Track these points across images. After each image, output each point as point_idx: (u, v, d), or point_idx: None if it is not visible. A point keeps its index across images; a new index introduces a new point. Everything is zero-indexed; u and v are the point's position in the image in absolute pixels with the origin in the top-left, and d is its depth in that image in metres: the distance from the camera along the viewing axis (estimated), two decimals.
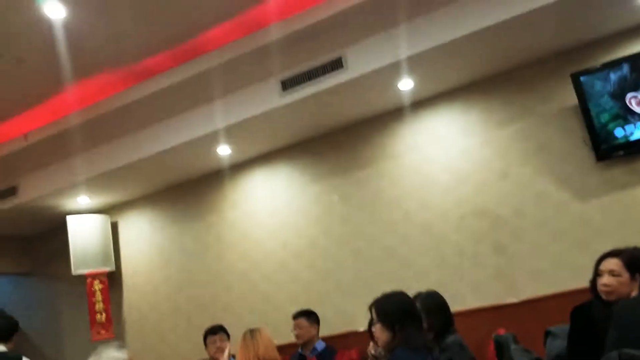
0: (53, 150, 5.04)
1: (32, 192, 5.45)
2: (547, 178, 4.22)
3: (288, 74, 4.29)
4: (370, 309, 2.54)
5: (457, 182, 4.53)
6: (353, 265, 4.87)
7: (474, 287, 4.35)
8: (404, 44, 3.87)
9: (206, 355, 4.11)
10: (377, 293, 2.58)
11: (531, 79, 4.35)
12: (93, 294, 5.87)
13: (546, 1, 3.46)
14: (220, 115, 4.57)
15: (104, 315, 5.86)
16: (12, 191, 5.50)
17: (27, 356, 3.78)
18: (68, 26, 3.58)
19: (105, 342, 3.18)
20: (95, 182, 5.33)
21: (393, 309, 2.40)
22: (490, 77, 4.47)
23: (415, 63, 3.98)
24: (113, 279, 6.06)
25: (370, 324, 2.72)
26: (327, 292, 4.95)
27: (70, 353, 6.31)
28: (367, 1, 3.72)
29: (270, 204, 5.37)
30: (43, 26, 3.53)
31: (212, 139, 4.77)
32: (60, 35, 3.65)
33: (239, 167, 5.54)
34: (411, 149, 4.75)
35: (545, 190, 4.22)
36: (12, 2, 3.28)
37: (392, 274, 4.66)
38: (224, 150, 5.10)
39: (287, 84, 4.29)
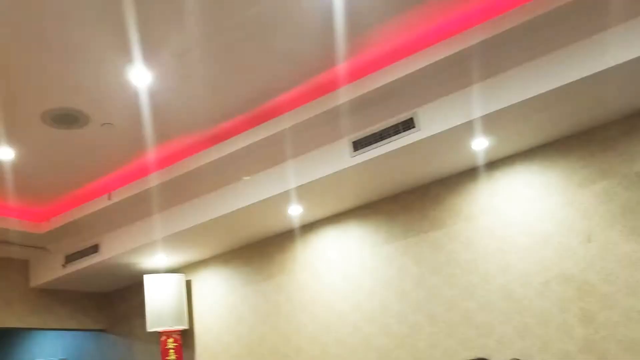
0: (133, 210, 5.26)
1: (112, 250, 5.67)
2: (636, 239, 3.91)
3: (359, 134, 4.30)
4: None
5: (538, 244, 4.29)
6: (429, 330, 4.65)
7: (561, 359, 4.02)
8: (477, 102, 3.81)
9: None
10: None
11: (612, 138, 4.14)
12: (167, 352, 5.92)
13: (616, 62, 3.33)
14: (292, 175, 4.62)
15: None
16: (94, 249, 5.74)
17: None
18: (152, 91, 3.79)
19: None
20: (171, 241, 5.48)
21: None
22: (568, 136, 4.29)
23: (490, 122, 3.89)
24: (186, 337, 6.10)
25: None
26: (402, 358, 4.74)
27: None
28: (439, 61, 3.72)
29: (341, 265, 5.29)
30: (129, 91, 3.75)
31: (283, 199, 4.81)
32: (144, 100, 3.87)
33: (310, 227, 5.54)
34: (487, 210, 4.58)
35: (634, 252, 3.91)
36: (102, 70, 3.52)
37: (471, 341, 4.40)
38: (295, 211, 5.13)
39: (358, 145, 4.30)
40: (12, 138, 4.12)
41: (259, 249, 5.89)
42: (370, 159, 4.25)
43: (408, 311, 4.80)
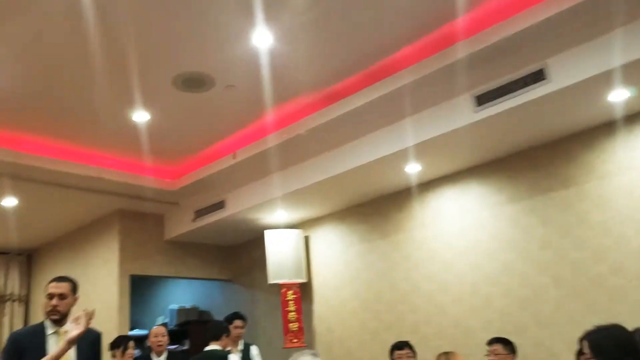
0: (256, 168, 5.47)
1: (236, 206, 5.97)
2: None
3: (483, 88, 4.11)
4: (580, 341, 2.30)
5: None
6: (555, 294, 4.45)
7: None
8: (617, 50, 3.46)
9: None
10: (583, 328, 2.31)
11: None
12: (287, 303, 6.20)
13: None
14: (410, 133, 4.54)
15: (296, 324, 6.15)
16: (220, 205, 6.08)
17: None
18: (272, 53, 3.85)
19: (298, 350, 3.31)
20: (290, 198, 5.66)
21: (609, 344, 2.13)
22: None
23: (632, 71, 3.53)
24: (305, 290, 6.35)
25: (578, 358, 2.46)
26: (524, 322, 4.60)
27: (265, 358, 6.72)
28: (573, 7, 3.40)
29: (460, 225, 5.18)
30: (251, 54, 3.84)
31: (401, 157, 4.76)
32: (265, 61, 3.95)
33: (428, 185, 5.45)
34: (624, 168, 4.22)
35: None
36: (227, 33, 3.63)
37: (601, 306, 4.17)
38: (413, 169, 5.06)
39: (482, 99, 4.11)
40: (147, 102, 4.41)
41: (375, 207, 5.92)
42: (495, 114, 4.06)
43: (532, 273, 4.61)
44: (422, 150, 4.62)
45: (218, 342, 4.74)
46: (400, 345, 4.02)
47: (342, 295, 6.11)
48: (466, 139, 4.49)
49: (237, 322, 5.11)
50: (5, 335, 6.76)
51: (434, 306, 5.25)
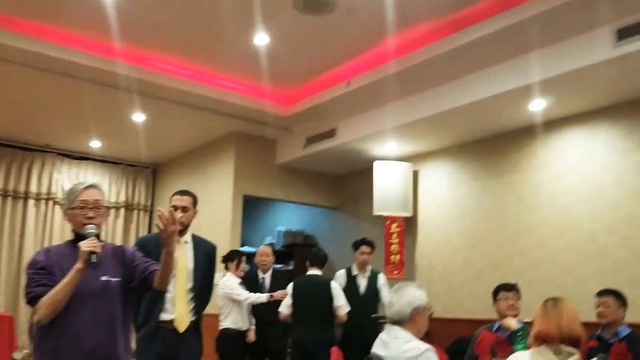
0: (369, 97, 5.42)
1: (347, 135, 6.01)
2: None
3: (626, 21, 3.71)
4: None
5: None
6: None
7: None
8: None
9: (492, 315, 4.02)
10: None
11: None
12: (390, 235, 6.26)
13: None
14: (538, 67, 4.25)
15: (398, 256, 6.22)
16: (331, 133, 6.15)
17: None
18: None
19: (398, 282, 3.36)
20: (403, 130, 5.59)
21: None
22: None
23: None
24: (409, 224, 6.35)
25: None
26: None
27: None
28: None
29: (583, 169, 4.87)
30: None
31: (525, 93, 4.49)
32: None
33: (552, 125, 5.13)
34: None
35: None
36: None
37: None
38: (536, 106, 4.77)
39: (624, 33, 3.73)
40: (267, 24, 4.45)
41: (490, 145, 5.70)
42: (637, 51, 3.68)
43: None
44: (549, 86, 4.33)
45: (320, 269, 4.96)
46: (509, 287, 3.93)
47: (447, 232, 6.05)
48: (601, 77, 4.14)
49: (364, 248, 5.27)
50: (132, 240, 7.46)
51: (545, 252, 5.06)
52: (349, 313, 4.80)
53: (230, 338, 5.08)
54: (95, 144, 7.34)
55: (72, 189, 2.52)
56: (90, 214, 2.45)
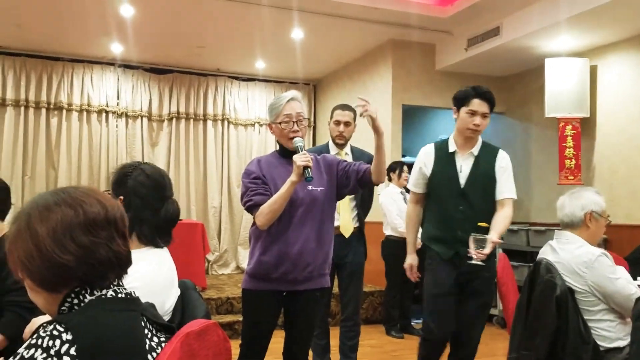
0: None
1: (513, 32, 5.53)
2: None
3: None
4: None
5: None
6: None
7: None
8: None
9: None
10: None
11: None
12: (564, 138, 5.80)
13: None
14: None
15: (573, 161, 5.77)
16: (495, 32, 5.70)
17: None
18: None
19: (572, 187, 3.12)
20: (577, 22, 4.99)
21: None
22: None
23: None
24: (586, 126, 5.81)
25: None
26: None
27: (537, 193, 6.58)
28: None
29: None
30: None
31: None
32: None
33: None
34: None
35: None
36: None
37: None
38: None
39: None
40: None
41: None
42: None
43: None
44: None
45: None
46: None
47: (630, 133, 5.43)
48: None
49: None
50: None
51: None
52: None
53: (393, 244, 5.27)
54: (260, 65, 7.69)
55: (274, 103, 2.67)
56: (295, 127, 2.59)
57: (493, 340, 5.36)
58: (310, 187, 2.56)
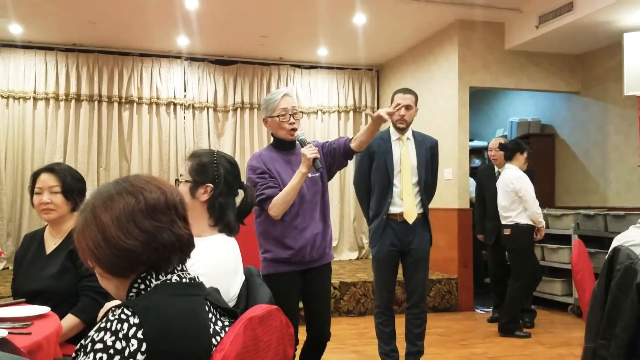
0: None
1: (588, 6, 5.21)
2: None
3: None
4: None
5: None
6: None
7: None
8: None
9: None
10: None
11: None
12: None
13: None
14: None
15: None
16: (569, 7, 5.39)
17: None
18: None
19: None
20: None
21: None
22: None
23: None
24: None
25: None
26: None
27: (614, 175, 6.22)
28: None
29: None
30: None
31: None
32: None
33: None
34: None
35: None
36: None
37: None
38: None
39: None
40: None
41: None
42: None
43: None
44: None
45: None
46: None
47: None
48: None
49: None
50: None
51: None
52: None
53: (528, 231, 4.94)
54: (322, 52, 7.65)
55: (270, 99, 2.85)
56: (292, 120, 2.79)
57: (568, 330, 5.14)
58: (309, 175, 2.76)
